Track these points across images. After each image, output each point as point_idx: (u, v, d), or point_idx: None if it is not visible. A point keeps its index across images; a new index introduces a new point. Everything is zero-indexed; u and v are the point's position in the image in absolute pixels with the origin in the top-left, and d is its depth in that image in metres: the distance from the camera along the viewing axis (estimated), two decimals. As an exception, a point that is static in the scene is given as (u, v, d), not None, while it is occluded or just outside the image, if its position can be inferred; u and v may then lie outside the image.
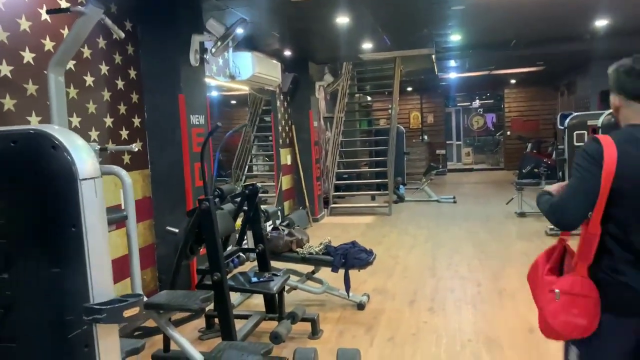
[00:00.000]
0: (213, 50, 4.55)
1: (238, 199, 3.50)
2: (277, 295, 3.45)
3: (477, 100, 17.53)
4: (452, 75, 12.42)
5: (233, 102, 10.17)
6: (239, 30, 4.53)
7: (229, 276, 3.15)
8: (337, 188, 10.32)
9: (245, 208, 3.53)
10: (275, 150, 7.62)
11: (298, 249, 4.19)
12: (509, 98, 15.34)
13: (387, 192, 9.04)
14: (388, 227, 7.61)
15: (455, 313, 3.95)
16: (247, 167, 9.11)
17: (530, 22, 6.59)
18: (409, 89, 15.21)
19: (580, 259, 1.57)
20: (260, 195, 3.62)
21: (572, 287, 1.56)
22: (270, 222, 4.58)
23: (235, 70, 5.80)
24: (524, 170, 11.79)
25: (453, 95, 16.08)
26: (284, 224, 4.46)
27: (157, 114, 4.24)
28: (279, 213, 4.55)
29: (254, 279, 3.27)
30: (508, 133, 15.31)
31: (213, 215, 2.77)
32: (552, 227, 6.39)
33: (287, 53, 7.29)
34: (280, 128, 7.70)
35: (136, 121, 4.18)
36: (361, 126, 13.07)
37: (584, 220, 1.56)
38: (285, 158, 7.87)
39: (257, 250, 3.56)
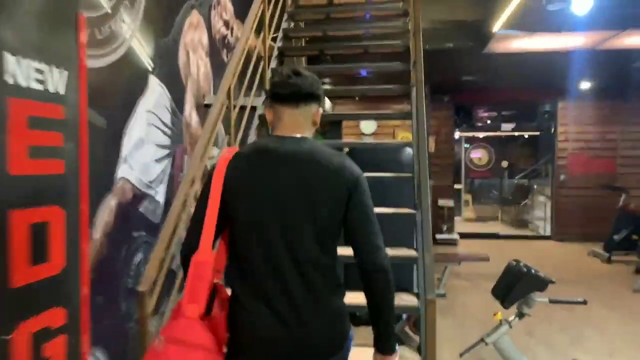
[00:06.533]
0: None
1: None
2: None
3: (504, 122, 10.95)
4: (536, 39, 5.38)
5: None
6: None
7: None
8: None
9: None
10: None
11: None
12: (566, 117, 8.83)
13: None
14: None
15: None
16: None
17: None
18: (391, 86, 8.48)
19: (190, 299, 1.22)
20: None
21: (175, 332, 1.20)
22: None
23: None
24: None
25: (469, 106, 9.36)
26: None
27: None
28: None
29: None
30: (562, 177, 8.77)
31: None
32: None
33: None
34: None
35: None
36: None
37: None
38: None
39: None
